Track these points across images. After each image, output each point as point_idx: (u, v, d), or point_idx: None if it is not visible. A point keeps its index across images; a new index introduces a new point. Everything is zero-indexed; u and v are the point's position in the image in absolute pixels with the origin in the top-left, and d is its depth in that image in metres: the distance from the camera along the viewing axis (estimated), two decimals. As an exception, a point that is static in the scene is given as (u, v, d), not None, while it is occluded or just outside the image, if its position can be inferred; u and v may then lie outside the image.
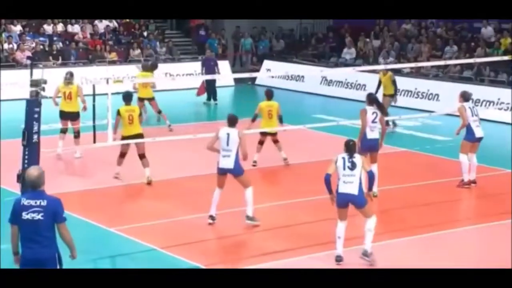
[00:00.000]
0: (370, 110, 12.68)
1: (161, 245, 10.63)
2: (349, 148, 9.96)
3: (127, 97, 13.83)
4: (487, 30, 24.25)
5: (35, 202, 7.27)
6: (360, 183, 9.85)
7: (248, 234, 11.29)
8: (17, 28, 25.96)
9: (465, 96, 13.73)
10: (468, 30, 25.12)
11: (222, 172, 11.29)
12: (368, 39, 26.81)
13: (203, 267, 9.84)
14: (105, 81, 13.74)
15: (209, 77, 21.73)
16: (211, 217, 11.41)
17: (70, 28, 27.17)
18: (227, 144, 11.13)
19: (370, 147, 12.62)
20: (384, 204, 12.42)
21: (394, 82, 18.50)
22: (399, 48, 25.54)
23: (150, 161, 13.61)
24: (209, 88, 22.48)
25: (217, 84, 23.04)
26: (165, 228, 11.53)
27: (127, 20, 28.59)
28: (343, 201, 9.88)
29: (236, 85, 26.27)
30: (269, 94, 15.28)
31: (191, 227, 11.54)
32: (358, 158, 9.91)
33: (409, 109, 20.39)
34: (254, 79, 26.33)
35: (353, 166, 9.80)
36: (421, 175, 14.37)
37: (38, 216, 7.24)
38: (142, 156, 13.58)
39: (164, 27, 29.92)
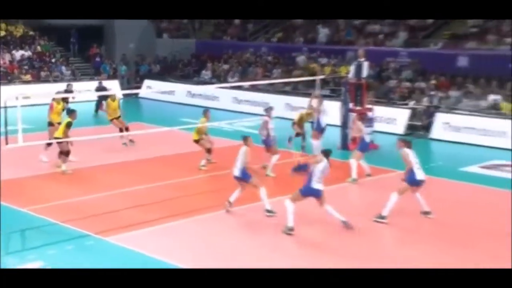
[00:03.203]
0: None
1: (62, 219, 10.22)
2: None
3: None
4: (301, 59, 25.00)
5: None
6: None
7: (131, 209, 11.00)
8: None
9: (407, 144, 10.68)
10: (288, 58, 25.77)
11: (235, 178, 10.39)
12: (220, 64, 26.95)
13: (93, 234, 9.55)
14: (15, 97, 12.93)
15: (101, 93, 20.78)
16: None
17: (-7, 56, 25.45)
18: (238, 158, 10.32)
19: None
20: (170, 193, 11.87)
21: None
22: (242, 71, 25.87)
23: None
24: (99, 103, 21.52)
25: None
26: (68, 206, 11.06)
27: (39, 50, 27.14)
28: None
29: (124, 99, 25.58)
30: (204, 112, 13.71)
31: (87, 205, 11.16)
32: None
33: (249, 113, 20.74)
34: (137, 94, 25.89)
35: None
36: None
37: None
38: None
39: (68, 55, 28.61)
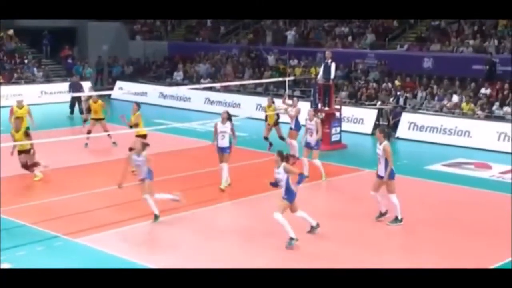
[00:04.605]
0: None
1: (31, 221, 10.01)
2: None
3: None
4: (271, 58, 25.01)
5: None
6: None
7: (101, 210, 10.81)
8: None
9: (386, 135, 10.19)
10: (259, 58, 25.74)
11: None
12: (192, 65, 26.77)
13: (62, 235, 9.37)
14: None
15: (75, 94, 20.48)
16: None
17: (-36, 58, 24.82)
18: None
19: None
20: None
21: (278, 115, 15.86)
22: (213, 71, 25.74)
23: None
24: (73, 104, 21.18)
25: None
26: (38, 208, 10.83)
27: (12, 50, 26.65)
28: None
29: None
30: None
31: (56, 207, 10.94)
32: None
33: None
34: (109, 95, 25.52)
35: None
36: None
37: None
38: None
39: (40, 57, 28.10)
